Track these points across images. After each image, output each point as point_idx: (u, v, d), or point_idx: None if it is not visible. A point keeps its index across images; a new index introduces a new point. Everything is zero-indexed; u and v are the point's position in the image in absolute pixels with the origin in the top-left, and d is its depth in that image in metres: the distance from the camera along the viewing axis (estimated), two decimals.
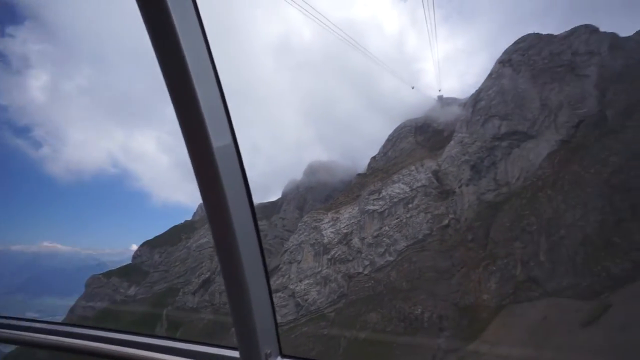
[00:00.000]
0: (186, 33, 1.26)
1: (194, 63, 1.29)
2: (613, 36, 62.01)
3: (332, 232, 66.96)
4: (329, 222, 68.95)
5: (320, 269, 64.94)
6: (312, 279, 64.62)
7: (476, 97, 68.08)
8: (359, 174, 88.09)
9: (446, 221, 56.77)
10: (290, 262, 70.02)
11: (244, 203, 1.56)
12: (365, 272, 59.11)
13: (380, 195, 66.09)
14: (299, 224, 73.79)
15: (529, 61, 63.66)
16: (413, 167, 67.58)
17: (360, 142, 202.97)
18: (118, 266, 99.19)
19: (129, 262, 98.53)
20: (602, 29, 62.78)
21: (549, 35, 66.34)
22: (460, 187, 59.47)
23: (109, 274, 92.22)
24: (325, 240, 66.20)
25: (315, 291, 63.08)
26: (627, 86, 51.57)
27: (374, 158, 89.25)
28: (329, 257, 64.37)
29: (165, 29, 1.22)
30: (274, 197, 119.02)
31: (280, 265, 72.02)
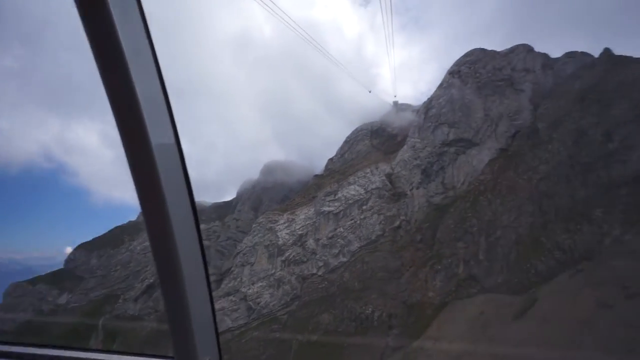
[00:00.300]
0: (125, 24, 1.17)
1: (133, 56, 1.21)
2: (545, 56, 68.82)
3: (287, 233, 66.35)
4: (284, 223, 68.26)
5: (274, 271, 63.98)
6: (265, 282, 63.46)
7: (428, 105, 71.68)
8: (316, 175, 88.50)
9: (398, 222, 58.89)
10: (243, 265, 68.14)
11: (184, 204, 1.47)
12: (319, 273, 59.30)
13: (336, 197, 66.85)
14: (254, 225, 72.19)
15: (475, 74, 68.44)
16: (368, 170, 69.32)
17: (318, 143, 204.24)
18: (48, 271, 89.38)
19: (61, 266, 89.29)
20: (536, 49, 69.44)
21: (493, 51, 71.93)
22: (411, 190, 62.07)
23: (34, 281, 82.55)
24: (280, 242, 65.40)
25: (268, 294, 62.00)
26: (555, 102, 57.43)
27: (331, 159, 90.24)
28: (283, 258, 63.67)
29: (100, 17, 1.13)
30: (229, 196, 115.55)
31: (233, 268, 69.85)
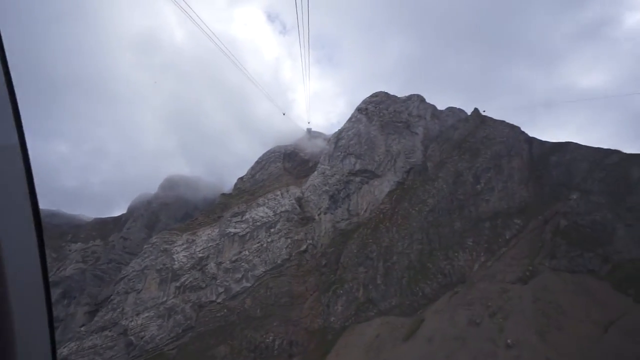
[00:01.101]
0: None
1: None
2: (434, 107, 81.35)
3: (185, 255, 60.37)
4: (182, 244, 62.10)
5: (165, 298, 56.86)
6: (153, 311, 55.79)
7: (338, 135, 76.42)
8: (223, 194, 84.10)
9: (304, 246, 59.42)
10: (126, 292, 58.85)
11: (23, 216, 1.18)
12: (219, 300, 55.03)
13: (244, 218, 64.33)
14: (145, 246, 63.74)
15: (380, 113, 76.35)
16: (279, 192, 69.10)
17: (228, 161, 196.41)
18: None
19: None
20: (427, 100, 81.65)
21: (394, 96, 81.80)
22: (319, 214, 63.91)
23: None
24: (176, 265, 58.98)
25: (156, 325, 54.49)
26: (440, 146, 67.76)
27: (241, 179, 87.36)
28: (178, 284, 57.34)
29: None
30: (118, 212, 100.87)
31: (112, 297, 59.71)
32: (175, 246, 61.74)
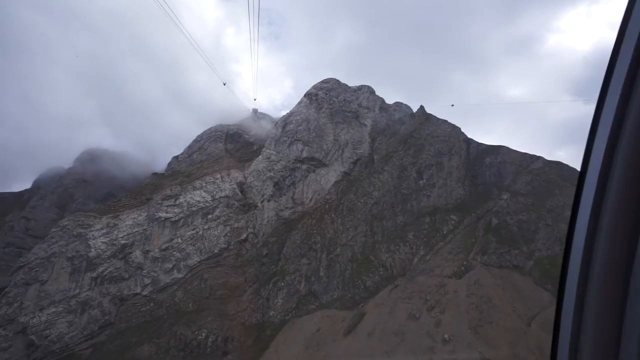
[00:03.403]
0: None
1: None
2: (382, 100, 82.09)
3: (104, 242, 52.83)
4: (102, 228, 54.19)
5: (77, 291, 49.38)
6: (62, 306, 48.18)
7: (286, 120, 73.04)
8: (154, 174, 75.59)
9: (245, 235, 56.03)
10: (27, 283, 49.88)
11: None
12: (144, 293, 49.42)
13: (177, 202, 58.28)
14: (53, 229, 54.41)
15: (330, 100, 74.57)
16: (218, 175, 63.95)
17: (160, 136, 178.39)
18: None
19: None
20: (377, 92, 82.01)
21: (345, 85, 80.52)
22: (262, 202, 60.69)
23: None
24: (92, 253, 51.35)
25: (66, 322, 47.19)
26: (386, 140, 68.66)
27: (176, 158, 79.31)
28: (95, 275, 50.11)
29: None
30: (19, 186, 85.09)
31: (8, 289, 50.18)
32: (93, 230, 53.64)
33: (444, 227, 50.12)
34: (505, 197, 47.50)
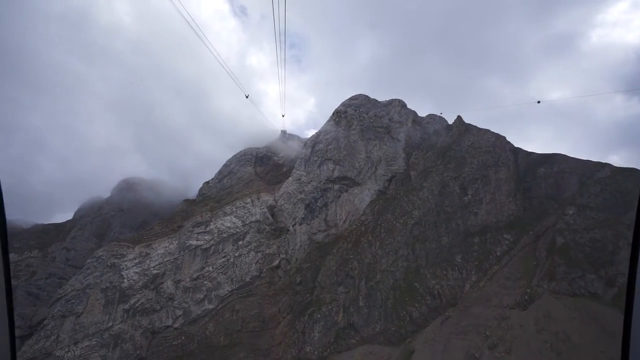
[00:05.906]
0: None
1: None
2: (415, 113, 78.22)
3: (136, 272, 52.09)
4: (134, 258, 53.71)
5: (110, 323, 48.37)
6: (96, 339, 47.18)
7: (315, 139, 71.03)
8: (185, 200, 75.84)
9: (277, 262, 53.15)
10: (63, 316, 49.71)
11: None
12: (176, 326, 47.41)
13: (208, 229, 56.99)
14: (88, 261, 54.65)
15: (360, 117, 71.92)
16: (249, 200, 62.37)
17: (192, 162, 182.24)
18: None
19: None
20: (409, 106, 78.42)
21: (375, 100, 77.80)
22: (294, 225, 57.95)
23: None
24: (125, 284, 50.60)
25: (98, 357, 46.00)
26: (423, 154, 64.28)
27: (207, 183, 79.45)
28: (127, 306, 49.03)
29: None
30: (62, 217, 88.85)
31: (46, 321, 50.30)
32: (126, 260, 53.24)
33: (497, 249, 44.33)
34: (571, 212, 41.18)
